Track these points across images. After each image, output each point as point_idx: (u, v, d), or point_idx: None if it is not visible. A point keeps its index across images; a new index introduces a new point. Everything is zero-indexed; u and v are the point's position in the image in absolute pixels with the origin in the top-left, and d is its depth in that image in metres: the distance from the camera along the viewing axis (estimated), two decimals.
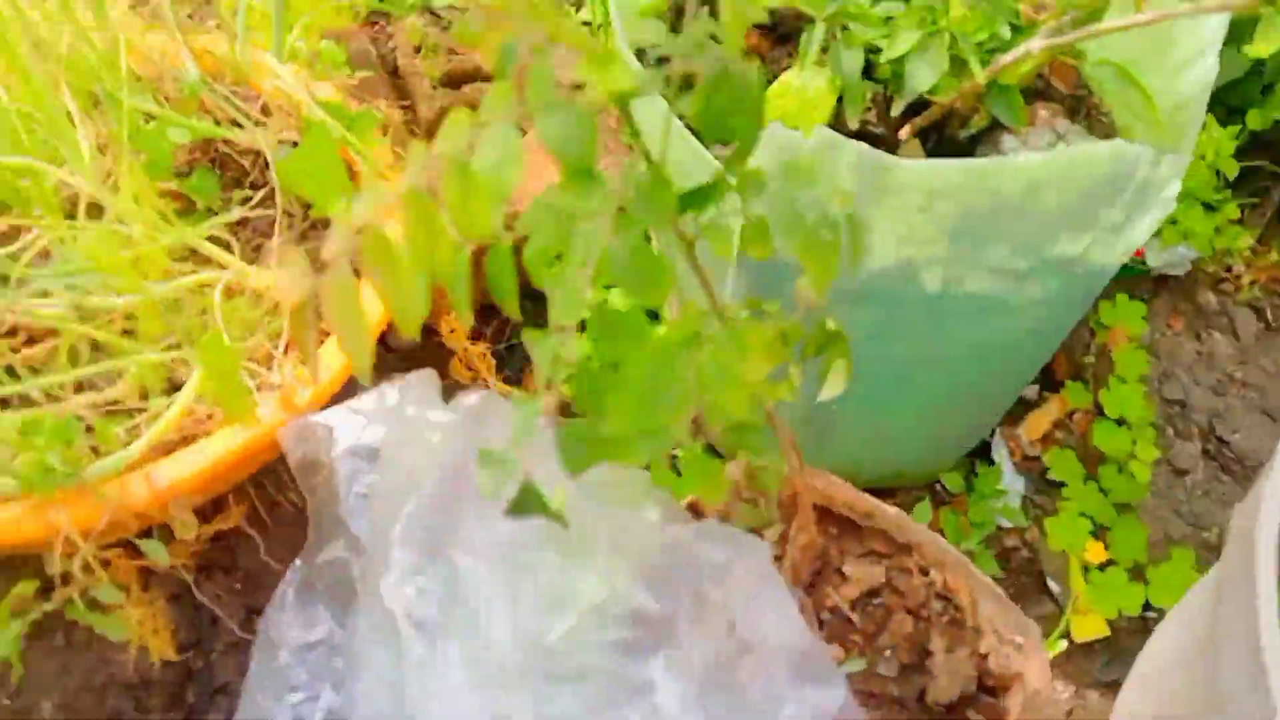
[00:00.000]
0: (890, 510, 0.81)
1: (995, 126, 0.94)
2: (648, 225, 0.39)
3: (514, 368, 1.23)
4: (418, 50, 1.26)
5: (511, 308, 0.45)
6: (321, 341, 0.88)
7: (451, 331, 1.09)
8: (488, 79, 1.28)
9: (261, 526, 0.95)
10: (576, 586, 0.50)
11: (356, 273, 0.40)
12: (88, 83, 0.86)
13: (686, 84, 0.44)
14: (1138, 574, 1.07)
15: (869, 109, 0.93)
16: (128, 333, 0.90)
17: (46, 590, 0.78)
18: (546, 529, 0.43)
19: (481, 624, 0.49)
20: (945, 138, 0.95)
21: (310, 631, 0.67)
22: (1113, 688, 1.02)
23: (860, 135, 0.90)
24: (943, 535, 1.08)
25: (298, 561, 0.71)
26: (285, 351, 0.85)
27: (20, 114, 0.83)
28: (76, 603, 0.74)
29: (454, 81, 1.25)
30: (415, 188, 0.38)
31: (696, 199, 0.43)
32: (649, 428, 0.41)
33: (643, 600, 0.51)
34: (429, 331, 1.16)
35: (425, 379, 0.66)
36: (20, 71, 0.83)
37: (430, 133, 1.23)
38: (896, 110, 0.89)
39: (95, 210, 0.91)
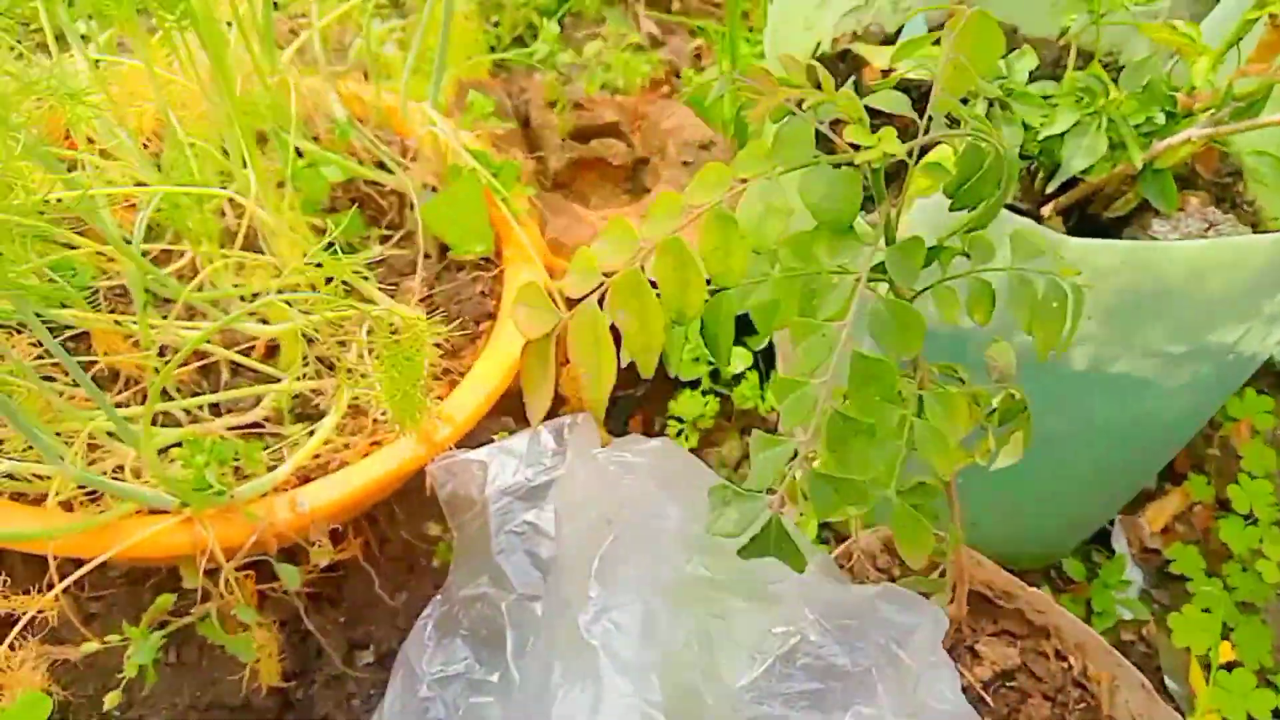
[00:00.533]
0: (1030, 590, 0.79)
1: (1142, 209, 0.93)
2: (900, 283, 0.39)
3: (617, 421, 1.23)
4: (551, 105, 1.28)
5: (723, 358, 0.45)
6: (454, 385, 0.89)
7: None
8: (614, 134, 1.30)
9: (373, 560, 0.96)
10: (766, 634, 0.50)
11: None
12: (258, 121, 0.89)
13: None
14: (1265, 679, 1.03)
15: (1015, 185, 0.94)
16: (268, 359, 0.92)
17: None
18: (736, 574, 0.43)
19: (675, 665, 0.49)
20: (1086, 217, 0.95)
21: (450, 666, 0.67)
22: None
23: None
24: None
25: (439, 595, 0.71)
26: (426, 391, 0.86)
27: (194, 147, 0.86)
28: (213, 619, 0.74)
29: (583, 136, 1.28)
30: (672, 235, 0.38)
31: (932, 257, 0.43)
32: (880, 479, 0.41)
33: (834, 653, 0.51)
34: None
35: (587, 423, 0.66)
36: (201, 107, 0.86)
37: (558, 184, 1.25)
38: (1051, 188, 0.89)
39: (246, 241, 0.94)
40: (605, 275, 0.41)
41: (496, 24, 1.68)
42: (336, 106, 1.07)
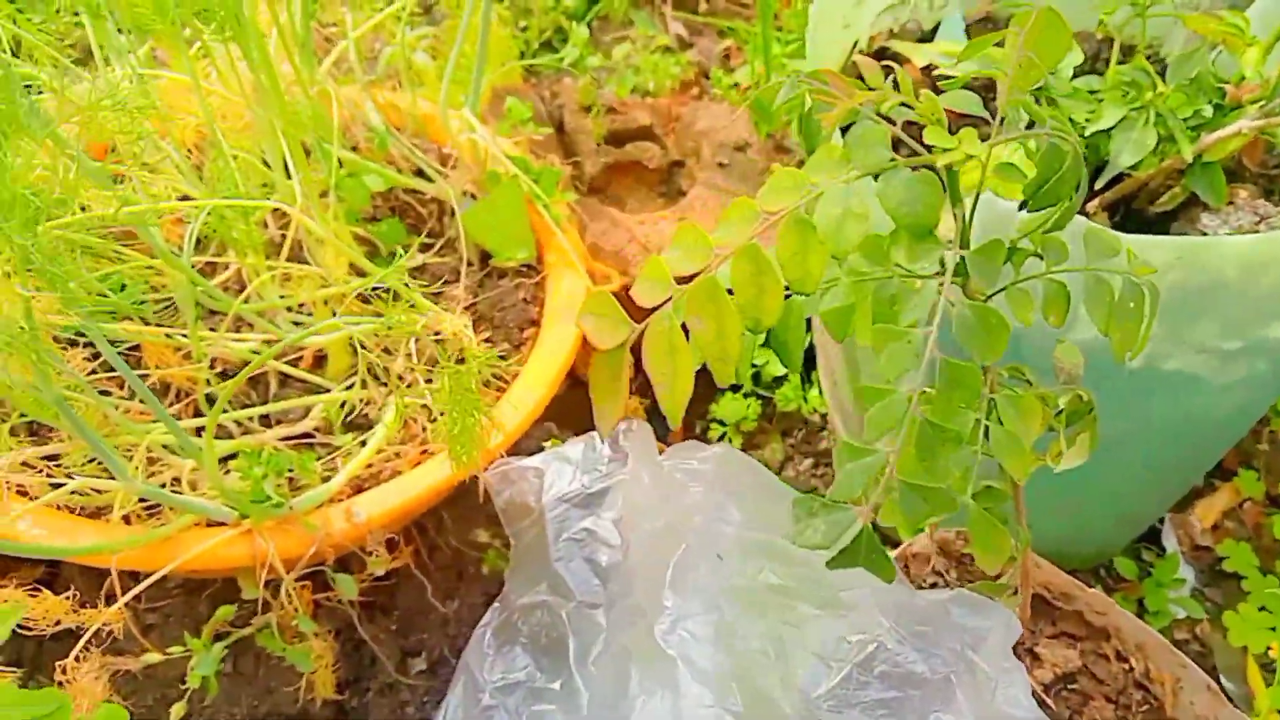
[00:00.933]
0: (1089, 591, 0.78)
1: (1190, 204, 0.92)
2: (982, 285, 0.38)
3: (659, 426, 1.23)
4: (586, 109, 1.28)
5: (795, 364, 0.45)
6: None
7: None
8: (649, 137, 1.30)
9: (423, 568, 0.96)
10: (840, 641, 0.49)
11: None
12: (301, 132, 0.89)
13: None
14: None
15: None
16: (315, 369, 0.93)
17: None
18: (807, 582, 0.43)
19: (751, 673, 0.49)
20: (1133, 212, 0.94)
21: (510, 674, 0.67)
22: None
23: None
24: None
25: (496, 603, 0.71)
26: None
27: (237, 159, 0.86)
28: (273, 630, 0.75)
29: (617, 140, 1.27)
30: (750, 241, 0.38)
31: (1008, 257, 0.43)
32: (957, 485, 0.40)
33: (911, 660, 0.50)
34: (577, 383, 1.16)
35: (643, 429, 0.66)
36: (243, 119, 0.87)
37: (594, 188, 1.25)
38: (1099, 185, 0.88)
39: (291, 252, 0.94)
40: (678, 282, 0.40)
41: (525, 29, 1.68)
42: (374, 115, 1.07)
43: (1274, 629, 1.04)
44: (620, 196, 1.25)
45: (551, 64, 1.62)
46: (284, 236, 0.96)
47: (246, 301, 0.88)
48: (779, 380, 1.19)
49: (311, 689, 0.86)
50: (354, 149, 1.06)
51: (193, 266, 0.93)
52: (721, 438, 1.18)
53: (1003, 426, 0.44)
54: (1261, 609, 1.04)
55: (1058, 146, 0.39)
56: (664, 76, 1.58)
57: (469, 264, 1.00)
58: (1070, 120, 0.89)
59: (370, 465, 0.83)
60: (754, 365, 1.17)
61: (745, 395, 1.18)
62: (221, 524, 0.74)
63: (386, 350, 0.92)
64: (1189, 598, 1.08)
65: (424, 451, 0.84)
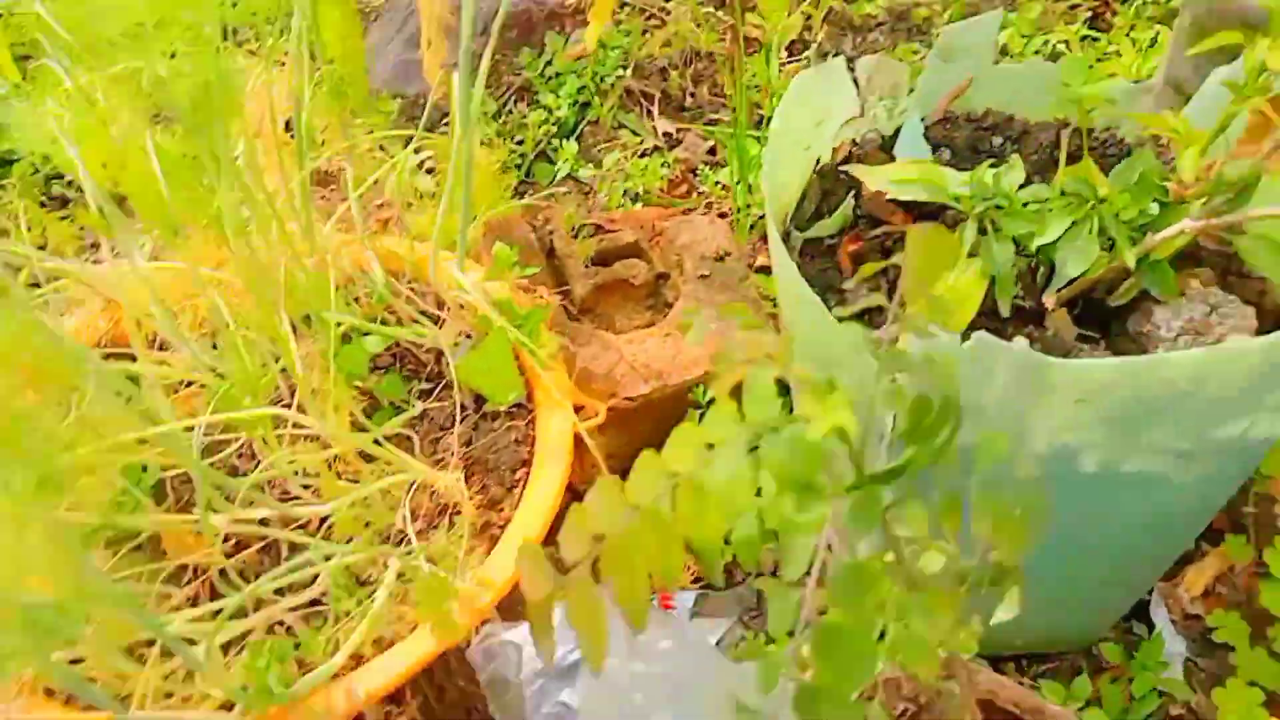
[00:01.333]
0: (1054, 708, 0.81)
1: (1145, 296, 0.95)
2: (858, 533, 0.43)
3: None
4: (574, 234, 1.34)
5: (714, 576, 0.49)
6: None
7: None
8: (635, 253, 1.35)
9: (430, 714, 1.00)
10: None
11: None
12: (301, 305, 0.95)
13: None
14: None
15: (1016, 283, 0.96)
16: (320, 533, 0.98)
17: None
18: None
19: None
20: (1092, 303, 0.97)
21: None
22: None
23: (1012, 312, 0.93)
24: (1100, 707, 1.06)
25: None
26: (468, 552, 0.91)
27: (244, 338, 0.93)
28: None
29: (604, 259, 1.33)
30: (652, 504, 0.43)
31: (888, 479, 0.47)
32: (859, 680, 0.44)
33: None
34: (577, 496, 1.21)
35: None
36: (248, 299, 0.93)
37: (584, 309, 1.30)
38: (1048, 295, 0.92)
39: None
40: (596, 539, 0.45)
41: (520, 142, 1.76)
42: (375, 268, 1.13)
43: (1264, 704, 1.05)
44: (609, 314, 1.30)
45: (543, 174, 1.69)
46: (292, 394, 1.02)
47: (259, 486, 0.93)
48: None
49: None
50: (355, 300, 1.12)
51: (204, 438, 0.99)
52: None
53: (909, 629, 0.48)
54: (1251, 684, 1.06)
55: (925, 397, 0.43)
56: (652, 178, 1.64)
57: (463, 408, 1.05)
58: (1015, 241, 0.93)
59: (373, 629, 0.88)
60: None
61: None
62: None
63: (391, 508, 0.97)
64: (1178, 678, 1.09)
65: None
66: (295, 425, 0.98)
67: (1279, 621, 1.10)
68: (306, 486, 0.98)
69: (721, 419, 0.46)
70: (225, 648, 0.86)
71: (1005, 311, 0.93)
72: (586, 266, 1.30)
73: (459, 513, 0.93)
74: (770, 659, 0.46)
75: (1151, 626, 1.13)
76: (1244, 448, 0.86)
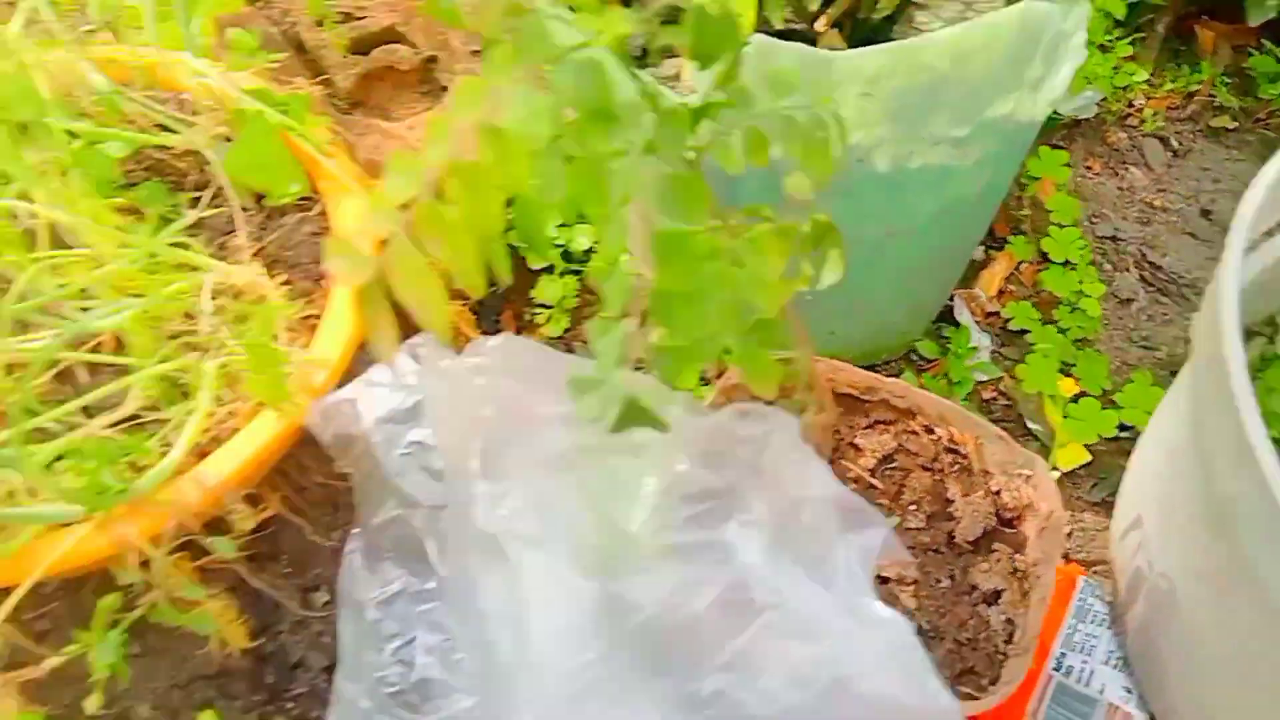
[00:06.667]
0: (889, 380, 0.86)
1: (906, 5, 0.98)
2: (672, 151, 0.42)
3: (488, 320, 1.25)
4: (319, 24, 1.24)
5: (543, 250, 0.48)
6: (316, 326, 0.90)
7: None
8: (395, 38, 1.26)
9: (297, 511, 0.98)
10: (645, 479, 0.55)
11: None
12: (9, 114, 0.84)
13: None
14: (1107, 400, 1.15)
15: (786, 6, 0.97)
16: (120, 351, 0.91)
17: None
18: (603, 439, 0.47)
19: (574, 526, 0.54)
20: (860, 23, 0.99)
21: (387, 587, 0.72)
22: (1103, 505, 1.10)
23: (782, 34, 0.94)
24: None
25: (355, 529, 0.74)
26: (289, 341, 0.87)
27: None
28: (164, 606, 0.76)
29: (363, 47, 1.24)
30: (460, 157, 0.41)
31: (698, 117, 0.46)
32: (713, 333, 0.45)
33: (706, 477, 0.57)
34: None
35: (432, 340, 0.69)
36: None
37: (353, 102, 1.23)
38: (814, 5, 0.93)
39: (55, 239, 0.91)
40: (405, 208, 0.43)
41: None
42: (95, 75, 1.01)
43: (1059, 370, 1.17)
44: (383, 105, 1.23)
45: None
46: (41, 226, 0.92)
47: (23, 299, 0.85)
48: (589, 253, 1.22)
49: (225, 645, 0.88)
50: (83, 116, 1.01)
51: None
52: (550, 320, 1.21)
53: (746, 269, 0.49)
54: (1045, 356, 1.16)
55: (703, 9, 0.42)
56: None
57: (245, 209, 0.98)
58: None
59: (207, 430, 0.83)
60: (558, 245, 1.19)
61: (561, 275, 1.21)
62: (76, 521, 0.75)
63: (189, 315, 0.91)
64: (988, 361, 1.19)
65: (260, 403, 0.85)
66: (54, 245, 0.89)
67: (1062, 303, 1.21)
68: (86, 310, 0.90)
69: (500, 62, 0.44)
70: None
71: (778, 24, 0.93)
72: (345, 57, 1.21)
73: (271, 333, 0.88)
74: (611, 331, 0.45)
75: (958, 326, 1.21)
76: (1015, 129, 0.90)
